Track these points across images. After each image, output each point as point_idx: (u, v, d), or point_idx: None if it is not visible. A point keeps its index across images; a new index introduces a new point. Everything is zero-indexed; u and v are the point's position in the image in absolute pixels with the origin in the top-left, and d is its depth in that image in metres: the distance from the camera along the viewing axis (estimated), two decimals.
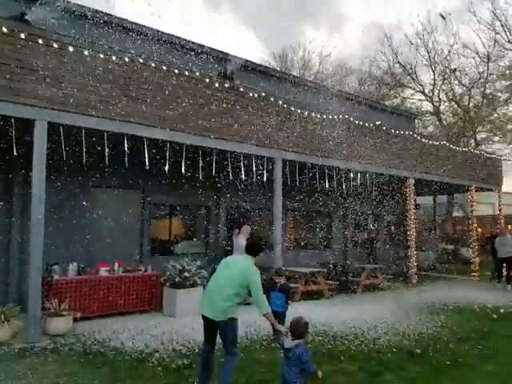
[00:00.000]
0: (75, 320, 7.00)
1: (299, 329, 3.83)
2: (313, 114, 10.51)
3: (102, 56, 7.32)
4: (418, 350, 5.99)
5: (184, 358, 5.52)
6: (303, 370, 3.71)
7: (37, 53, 6.59)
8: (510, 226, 13.96)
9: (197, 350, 5.82)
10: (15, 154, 6.71)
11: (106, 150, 7.34)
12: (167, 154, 8.11)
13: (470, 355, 5.80)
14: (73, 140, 7.33)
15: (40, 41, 6.62)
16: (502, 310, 8.91)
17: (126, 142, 7.56)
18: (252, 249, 4.51)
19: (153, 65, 7.99)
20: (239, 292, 4.15)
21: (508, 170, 24.13)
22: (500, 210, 16.32)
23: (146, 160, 7.85)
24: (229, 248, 10.90)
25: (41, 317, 6.41)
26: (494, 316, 8.41)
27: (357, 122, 11.53)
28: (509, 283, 12.41)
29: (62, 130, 6.82)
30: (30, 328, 6.20)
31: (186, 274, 8.43)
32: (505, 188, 17.23)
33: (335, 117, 10.97)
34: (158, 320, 7.73)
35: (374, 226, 16.78)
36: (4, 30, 6.33)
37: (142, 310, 8.38)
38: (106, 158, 7.37)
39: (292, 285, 9.19)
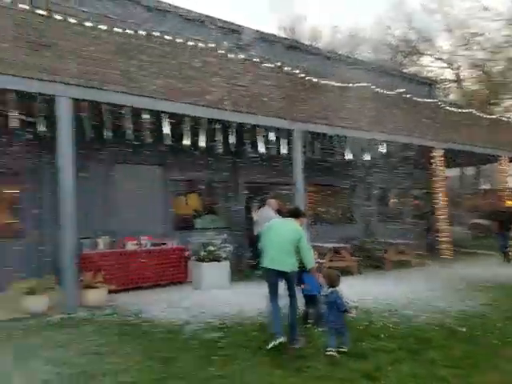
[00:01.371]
0: (109, 292, 7.25)
1: (330, 278, 4.81)
2: (333, 83, 10.23)
3: None
4: (463, 329, 5.57)
5: (216, 330, 5.61)
6: (339, 310, 4.63)
7: None
8: None
9: (228, 324, 5.91)
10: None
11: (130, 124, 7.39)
12: (186, 127, 8.10)
13: None
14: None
15: None
16: None
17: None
18: (294, 212, 5.16)
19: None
20: (294, 248, 4.86)
21: None
22: None
23: (168, 134, 7.87)
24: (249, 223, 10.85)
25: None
26: None
27: (380, 90, 11.12)
28: None
29: None
30: (68, 299, 6.47)
31: (211, 248, 8.54)
32: None
33: (357, 85, 10.57)
34: (186, 293, 7.92)
35: (399, 199, 16.01)
36: None
37: (170, 282, 8.62)
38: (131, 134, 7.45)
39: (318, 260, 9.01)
